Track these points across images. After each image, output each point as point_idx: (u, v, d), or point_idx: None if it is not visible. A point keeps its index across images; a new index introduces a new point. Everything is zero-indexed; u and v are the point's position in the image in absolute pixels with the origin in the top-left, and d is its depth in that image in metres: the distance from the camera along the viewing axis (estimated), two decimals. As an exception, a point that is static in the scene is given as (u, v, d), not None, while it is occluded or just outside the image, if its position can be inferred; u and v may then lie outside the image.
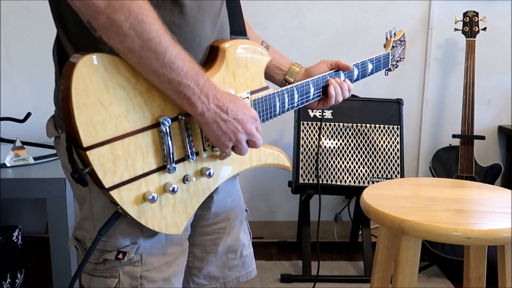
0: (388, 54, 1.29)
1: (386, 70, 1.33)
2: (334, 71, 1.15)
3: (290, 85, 1.05)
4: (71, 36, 0.85)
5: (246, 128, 0.87)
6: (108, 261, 0.89)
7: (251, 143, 0.91)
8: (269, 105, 1.01)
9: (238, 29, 1.01)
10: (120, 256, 0.89)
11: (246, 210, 1.18)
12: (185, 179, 0.88)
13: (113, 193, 0.79)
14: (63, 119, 0.76)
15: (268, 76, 1.16)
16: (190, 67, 0.80)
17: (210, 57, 0.92)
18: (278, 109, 1.03)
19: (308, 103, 1.11)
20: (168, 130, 0.83)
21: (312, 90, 1.10)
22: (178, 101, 0.82)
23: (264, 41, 1.18)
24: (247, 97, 0.96)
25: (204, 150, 0.90)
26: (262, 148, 1.03)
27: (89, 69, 0.75)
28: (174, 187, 0.85)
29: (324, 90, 1.13)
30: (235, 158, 0.96)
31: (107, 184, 0.78)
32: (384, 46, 1.32)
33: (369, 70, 1.24)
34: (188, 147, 0.87)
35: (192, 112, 0.83)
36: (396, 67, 1.35)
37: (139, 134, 0.81)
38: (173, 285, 0.96)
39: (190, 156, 0.87)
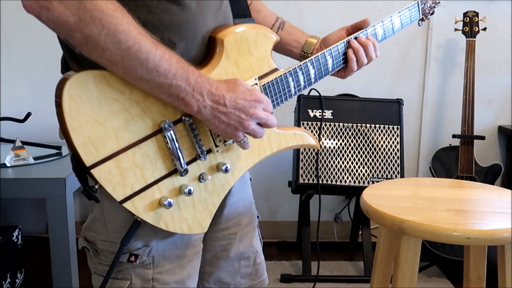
0: (418, 4, 1.18)
1: (419, 21, 1.21)
2: (353, 36, 1.06)
3: (304, 61, 1.00)
4: (74, 54, 0.83)
5: (250, 114, 0.84)
6: (120, 263, 0.89)
7: (264, 125, 0.87)
8: (282, 87, 0.96)
9: (241, 12, 0.97)
10: (132, 258, 0.88)
11: (258, 217, 1.15)
12: (200, 178, 0.86)
13: (127, 204, 0.79)
14: (65, 140, 0.76)
15: (286, 52, 1.13)
16: (178, 66, 0.77)
17: (210, 48, 0.89)
18: (293, 89, 0.98)
19: (328, 75, 1.05)
20: (172, 134, 0.81)
21: (330, 61, 1.03)
22: (173, 104, 0.80)
23: (279, 17, 1.13)
24: (256, 84, 0.92)
25: (216, 146, 0.88)
26: (282, 131, 0.98)
27: (78, 90, 0.74)
28: (190, 189, 0.84)
29: (345, 58, 1.06)
30: (252, 147, 0.92)
31: (118, 198, 0.78)
32: None
33: (396, 26, 1.14)
34: (197, 147, 0.85)
35: (189, 111, 0.81)
36: (431, 14, 1.24)
37: (143, 143, 0.80)
38: (187, 287, 0.95)
39: (201, 156, 0.85)
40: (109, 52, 0.72)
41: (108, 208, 0.88)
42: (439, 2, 1.26)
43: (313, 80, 1.02)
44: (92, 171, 0.76)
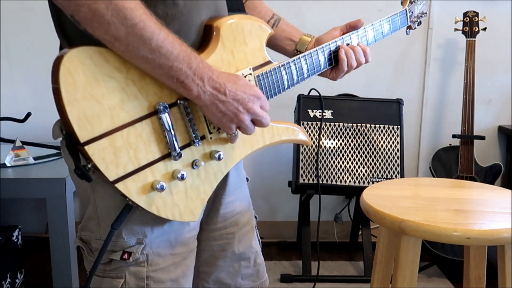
0: (406, 11, 1.22)
1: (407, 28, 1.26)
2: (345, 35, 1.09)
3: (297, 56, 1.00)
4: (71, 42, 0.84)
5: (247, 108, 0.84)
6: (114, 261, 0.88)
7: (257, 122, 0.88)
8: (276, 79, 0.97)
9: (236, 6, 0.97)
10: (126, 256, 0.87)
11: (256, 217, 1.14)
12: (193, 164, 0.86)
13: (119, 185, 0.78)
14: (60, 117, 0.76)
15: (280, 49, 1.14)
16: (180, 49, 0.78)
17: (205, 37, 0.89)
18: (286, 82, 0.99)
19: (320, 72, 1.06)
20: (167, 116, 0.81)
21: (322, 58, 1.05)
22: (172, 86, 0.80)
23: (275, 14, 1.14)
24: (250, 74, 0.92)
25: (210, 133, 0.88)
26: (274, 124, 0.98)
27: (75, 63, 0.73)
28: (183, 174, 0.83)
29: (336, 57, 1.07)
30: (245, 138, 0.93)
31: (111, 178, 0.77)
32: (402, 3, 1.24)
33: (386, 31, 1.17)
34: (192, 132, 0.85)
35: (188, 95, 0.81)
36: (418, 24, 1.28)
37: (138, 123, 0.80)
38: (182, 285, 0.94)
39: (195, 141, 0.85)
40: (114, 27, 0.73)
41: (101, 206, 0.88)
42: (425, 13, 1.30)
43: (305, 76, 1.03)
44: (86, 147, 0.75)
